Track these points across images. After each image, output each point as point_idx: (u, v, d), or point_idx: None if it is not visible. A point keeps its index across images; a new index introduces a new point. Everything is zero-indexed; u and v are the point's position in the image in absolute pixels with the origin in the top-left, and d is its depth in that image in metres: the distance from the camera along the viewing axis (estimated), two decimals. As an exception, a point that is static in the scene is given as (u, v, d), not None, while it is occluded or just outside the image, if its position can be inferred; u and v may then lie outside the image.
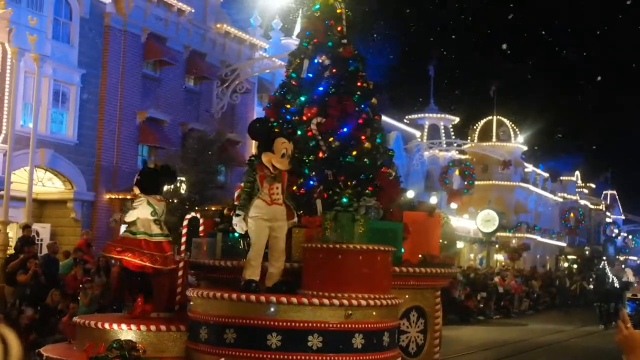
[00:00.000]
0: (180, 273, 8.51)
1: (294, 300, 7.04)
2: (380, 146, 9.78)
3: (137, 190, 8.55)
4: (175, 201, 18.93)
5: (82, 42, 20.93)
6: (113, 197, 21.40)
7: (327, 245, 7.39)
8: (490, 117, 48.39)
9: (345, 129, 9.31)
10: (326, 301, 7.02)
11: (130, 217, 8.43)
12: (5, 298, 14.30)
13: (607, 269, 26.39)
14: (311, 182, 8.98)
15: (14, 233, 18.25)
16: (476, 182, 39.97)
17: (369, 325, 7.16)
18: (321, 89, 9.58)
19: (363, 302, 7.09)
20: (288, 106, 9.70)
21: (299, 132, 9.28)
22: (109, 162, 21.64)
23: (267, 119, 8.48)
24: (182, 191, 19.99)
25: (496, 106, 47.89)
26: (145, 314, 8.23)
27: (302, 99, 9.59)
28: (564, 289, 33.70)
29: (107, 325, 7.82)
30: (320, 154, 9.21)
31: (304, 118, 9.40)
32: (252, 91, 26.95)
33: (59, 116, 20.59)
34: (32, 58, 17.97)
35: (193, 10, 24.25)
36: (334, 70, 9.65)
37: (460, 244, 34.50)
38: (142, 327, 7.67)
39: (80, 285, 13.35)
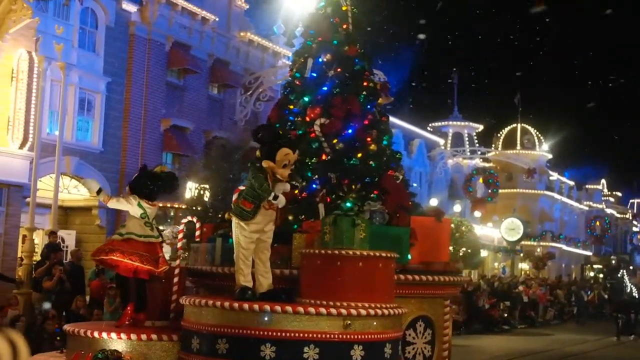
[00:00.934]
0: (175, 280, 8.14)
1: (289, 309, 6.66)
2: (387, 148, 9.40)
3: (129, 190, 8.27)
4: (199, 208, 18.99)
5: (107, 51, 21.14)
6: (137, 204, 21.50)
7: (326, 251, 7.00)
8: (514, 125, 48.08)
9: (350, 130, 8.94)
10: (323, 310, 6.64)
11: (116, 204, 8.13)
12: (32, 304, 14.43)
13: (626, 279, 25.69)
14: (314, 186, 8.60)
15: (39, 240, 18.42)
16: (500, 190, 39.74)
17: (369, 336, 6.77)
18: (325, 88, 9.23)
19: (363, 312, 6.70)
20: (291, 107, 9.37)
21: (301, 133, 8.95)
22: (134, 169, 21.73)
23: (273, 126, 8.18)
24: (206, 199, 20.05)
25: (520, 114, 47.62)
26: (139, 322, 7.92)
27: (306, 99, 9.26)
28: (581, 301, 32.91)
29: (96, 334, 7.52)
30: (324, 156, 8.84)
31: (307, 119, 9.03)
32: (275, 99, 26.99)
33: (84, 124, 20.79)
34: (58, 66, 18.17)
35: (217, 19, 24.39)
36: (338, 70, 9.29)
37: (484, 253, 34.25)
38: (133, 337, 7.37)
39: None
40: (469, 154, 41.97)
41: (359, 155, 8.85)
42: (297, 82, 9.55)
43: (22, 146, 16.28)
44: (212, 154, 22.04)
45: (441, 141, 42.84)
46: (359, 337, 6.70)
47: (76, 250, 16.45)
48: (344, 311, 6.65)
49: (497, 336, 23.05)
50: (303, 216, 8.17)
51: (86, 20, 20.65)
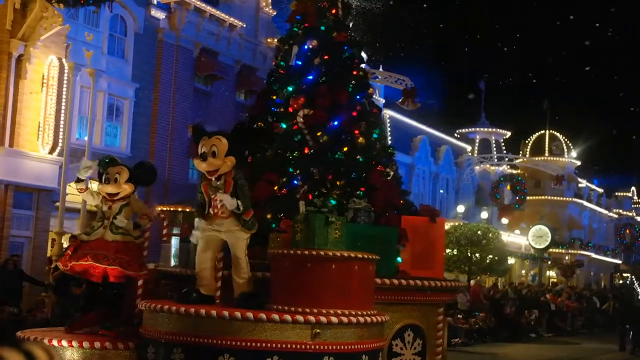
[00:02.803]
0: (140, 282, 7.31)
1: (250, 315, 5.96)
2: (378, 142, 8.70)
3: (130, 189, 7.53)
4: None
5: (136, 57, 21.39)
6: (165, 209, 21.64)
7: (295, 251, 6.29)
8: (542, 132, 47.72)
9: (335, 122, 8.24)
10: (288, 317, 5.94)
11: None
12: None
13: (636, 286, 24.04)
14: (295, 182, 7.89)
15: (67, 244, 18.64)
16: (528, 197, 39.41)
17: (342, 347, 6.06)
18: (311, 77, 8.55)
19: (334, 319, 5.99)
20: (274, 97, 8.73)
21: (283, 126, 8.33)
22: (161, 174, 21.88)
23: (199, 125, 7.32)
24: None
25: (549, 120, 47.27)
26: (91, 324, 7.25)
27: (290, 88, 8.58)
28: (593, 308, 31.33)
29: (45, 342, 6.80)
30: (306, 150, 8.12)
31: (290, 110, 8.35)
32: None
33: (113, 129, 21.03)
34: (88, 73, 18.41)
35: (244, 25, 24.56)
36: (326, 57, 8.60)
37: (511, 260, 34.00)
38: (85, 344, 6.72)
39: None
40: (496, 160, 41.74)
41: (345, 149, 8.18)
42: (281, 71, 8.88)
43: (51, 151, 16.51)
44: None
45: (468, 147, 42.65)
46: (330, 347, 6.01)
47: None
48: (312, 318, 5.95)
49: (524, 344, 22.82)
50: (282, 215, 7.44)
51: (115, 27, 20.92)
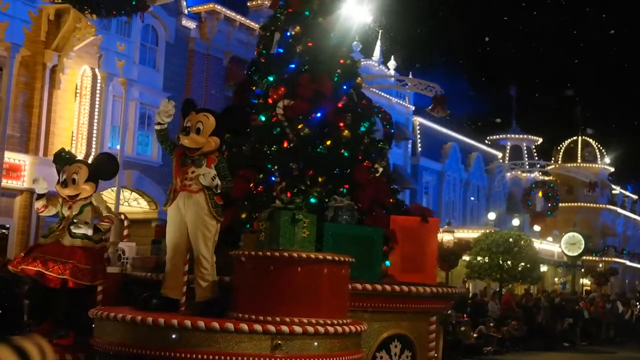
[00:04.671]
0: (99, 288, 6.72)
1: (201, 324, 5.27)
2: (366, 136, 7.99)
3: (91, 188, 6.92)
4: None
5: (167, 67, 21.59)
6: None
7: (257, 252, 5.65)
8: (575, 138, 47.22)
9: (318, 114, 7.57)
10: (244, 327, 5.24)
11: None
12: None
13: None
14: (272, 178, 7.31)
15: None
16: (560, 204, 38.99)
17: None
18: (293, 66, 7.94)
19: (297, 329, 5.30)
20: (254, 88, 8.17)
21: (262, 118, 7.69)
22: (192, 183, 22.11)
23: (190, 99, 6.89)
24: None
25: (581, 126, 46.80)
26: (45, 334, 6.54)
27: (270, 78, 7.99)
28: (616, 315, 30.30)
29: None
30: (285, 144, 7.50)
31: (270, 100, 7.76)
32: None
33: (144, 138, 21.23)
34: (120, 82, 18.65)
35: (274, 34, 24.67)
36: (309, 44, 7.99)
37: (543, 268, 33.61)
38: None
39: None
40: (527, 167, 41.39)
41: (328, 142, 7.50)
42: (262, 60, 8.30)
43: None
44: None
45: (499, 154, 42.36)
46: None
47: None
48: (271, 328, 5.27)
49: (558, 353, 22.53)
50: (257, 214, 6.74)
51: (147, 37, 21.14)
